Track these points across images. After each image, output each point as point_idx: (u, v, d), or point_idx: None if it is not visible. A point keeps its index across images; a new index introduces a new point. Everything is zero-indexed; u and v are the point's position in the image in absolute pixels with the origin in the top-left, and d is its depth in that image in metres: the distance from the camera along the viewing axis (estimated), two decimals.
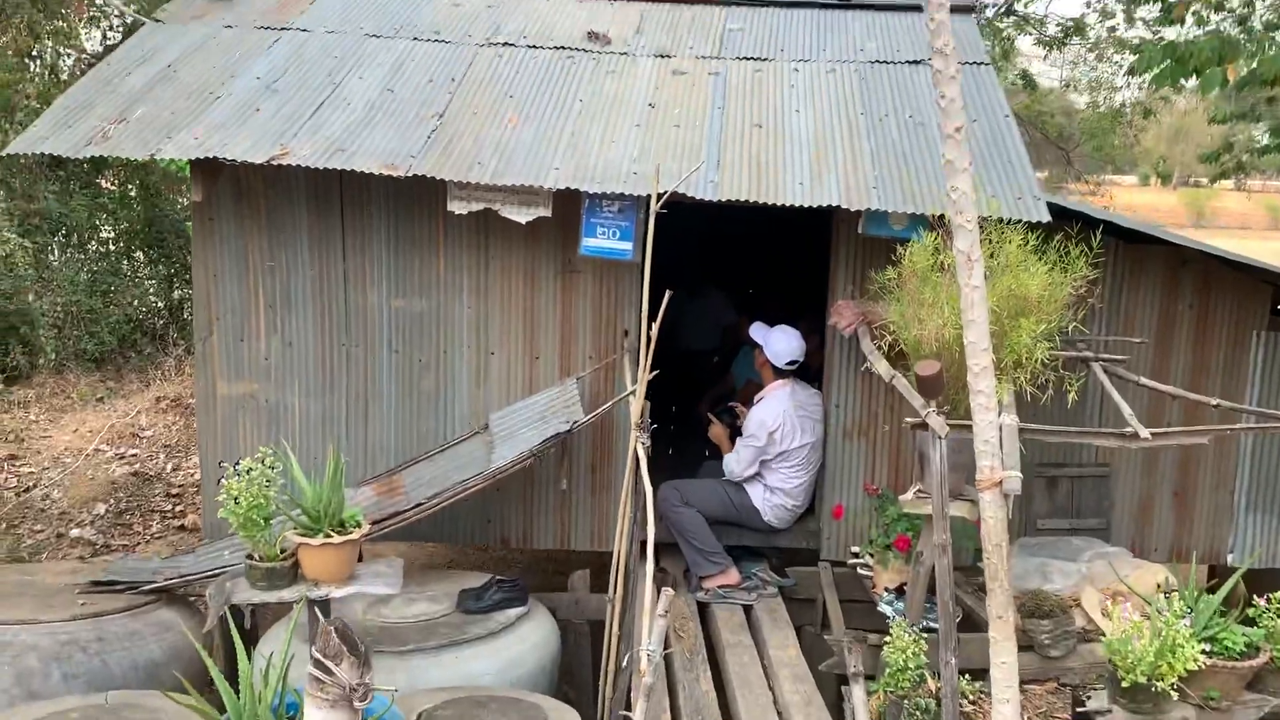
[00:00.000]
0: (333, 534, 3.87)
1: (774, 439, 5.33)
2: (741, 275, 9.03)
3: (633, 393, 4.66)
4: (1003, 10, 16.09)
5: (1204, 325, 5.34)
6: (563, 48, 5.97)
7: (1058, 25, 15.82)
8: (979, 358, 3.06)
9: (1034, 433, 3.84)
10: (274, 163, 4.80)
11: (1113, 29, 16.20)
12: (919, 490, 4.33)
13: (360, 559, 4.15)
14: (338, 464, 3.90)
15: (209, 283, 5.39)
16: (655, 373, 4.83)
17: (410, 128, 5.16)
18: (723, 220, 6.09)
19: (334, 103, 5.35)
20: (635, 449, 4.39)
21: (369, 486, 5.25)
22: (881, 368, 4.43)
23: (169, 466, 8.45)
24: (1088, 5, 15.85)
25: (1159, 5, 6.71)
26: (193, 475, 8.24)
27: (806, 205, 4.72)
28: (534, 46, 5.98)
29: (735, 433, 5.70)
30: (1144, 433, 3.66)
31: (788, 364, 5.49)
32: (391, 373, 5.44)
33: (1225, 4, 8.15)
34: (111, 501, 7.73)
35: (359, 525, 3.97)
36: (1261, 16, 8.77)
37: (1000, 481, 3.09)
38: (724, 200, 4.78)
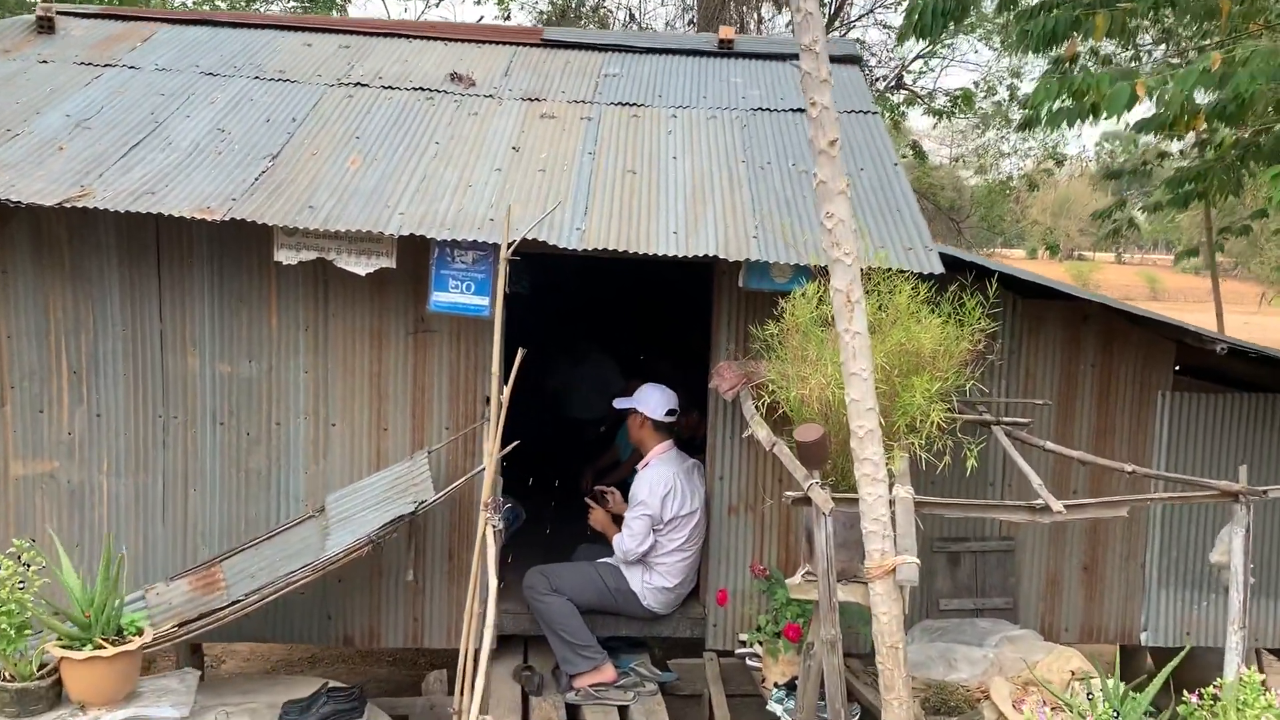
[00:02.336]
0: (105, 644, 3.19)
1: (666, 503, 4.79)
2: (632, 341, 8.55)
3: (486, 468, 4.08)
4: (893, 85, 16.29)
5: (1107, 385, 5.00)
6: (421, 89, 5.47)
7: (946, 97, 16.05)
8: (863, 419, 2.56)
9: (932, 507, 3.36)
10: (68, 205, 4.15)
11: (998, 102, 16.55)
12: (807, 573, 3.81)
13: (148, 670, 3.48)
14: (109, 557, 3.24)
15: (1, 345, 4.67)
16: (515, 444, 4.28)
17: (237, 169, 4.57)
18: (612, 283, 5.60)
19: (153, 142, 4.74)
20: (484, 531, 3.80)
21: (184, 580, 4.51)
22: (762, 434, 3.92)
23: None
24: (974, 85, 16.19)
25: (1050, 58, 6.51)
26: None
27: (680, 255, 4.26)
28: (389, 87, 5.47)
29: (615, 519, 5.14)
30: (1056, 505, 3.21)
31: (667, 414, 4.99)
32: (216, 448, 4.74)
33: (1112, 59, 8.11)
34: None
35: (139, 632, 3.30)
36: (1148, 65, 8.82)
37: (893, 569, 2.57)
38: (591, 249, 4.29)
